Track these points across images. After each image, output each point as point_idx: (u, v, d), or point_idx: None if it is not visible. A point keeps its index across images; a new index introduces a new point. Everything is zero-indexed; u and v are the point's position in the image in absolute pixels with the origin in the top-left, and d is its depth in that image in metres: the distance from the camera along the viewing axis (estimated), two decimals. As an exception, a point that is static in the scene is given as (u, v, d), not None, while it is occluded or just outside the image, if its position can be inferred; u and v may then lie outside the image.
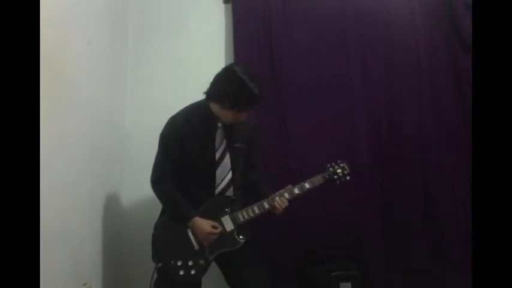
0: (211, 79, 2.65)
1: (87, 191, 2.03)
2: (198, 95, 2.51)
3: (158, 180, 1.94)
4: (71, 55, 1.84)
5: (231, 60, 2.66)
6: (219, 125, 1.94)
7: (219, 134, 1.94)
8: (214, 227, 1.88)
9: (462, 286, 2.29)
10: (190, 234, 1.89)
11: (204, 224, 1.87)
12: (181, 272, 1.86)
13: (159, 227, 1.95)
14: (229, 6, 2.71)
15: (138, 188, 2.57)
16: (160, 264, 1.90)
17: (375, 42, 2.68)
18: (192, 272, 1.87)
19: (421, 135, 2.62)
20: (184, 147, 1.90)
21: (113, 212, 2.43)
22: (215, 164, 1.93)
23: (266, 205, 1.92)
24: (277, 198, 1.93)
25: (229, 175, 1.96)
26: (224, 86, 1.87)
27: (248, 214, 1.91)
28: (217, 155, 1.94)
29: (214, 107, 1.90)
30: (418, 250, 2.53)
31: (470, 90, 2.54)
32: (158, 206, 2.56)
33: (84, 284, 1.92)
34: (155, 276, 1.93)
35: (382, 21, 2.69)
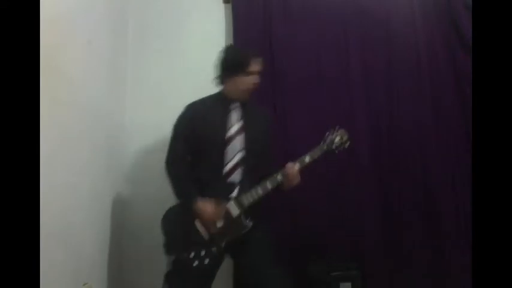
0: (211, 79, 2.68)
1: (87, 191, 2.03)
2: (198, 95, 2.51)
3: (168, 162, 2.00)
4: (71, 55, 1.84)
5: (231, 60, 2.66)
6: (235, 105, 2.01)
7: (234, 114, 2.00)
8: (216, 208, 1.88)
9: (462, 286, 2.29)
10: (198, 225, 1.89)
11: (205, 204, 1.88)
12: (195, 263, 1.85)
13: (166, 220, 1.95)
14: (229, 6, 2.72)
15: (138, 188, 2.58)
16: (173, 258, 1.91)
17: (375, 42, 2.68)
18: (206, 261, 1.86)
19: (421, 135, 2.62)
20: (196, 127, 1.96)
21: (113, 212, 2.43)
22: (225, 142, 1.95)
23: (269, 185, 1.91)
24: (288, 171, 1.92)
25: (239, 155, 1.96)
26: (221, 60, 2.03)
27: (252, 196, 1.90)
28: (229, 134, 1.96)
29: (226, 86, 2.02)
30: (418, 250, 2.52)
31: (470, 91, 2.54)
32: (158, 206, 2.57)
33: (84, 284, 1.92)
34: (169, 268, 1.94)
35: (382, 21, 2.69)
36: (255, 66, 1.99)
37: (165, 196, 2.54)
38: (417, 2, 2.71)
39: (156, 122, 2.62)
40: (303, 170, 1.94)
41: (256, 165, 2.00)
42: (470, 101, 2.30)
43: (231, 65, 1.99)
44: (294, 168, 1.91)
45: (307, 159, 1.95)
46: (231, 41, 2.67)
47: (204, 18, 2.77)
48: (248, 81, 1.98)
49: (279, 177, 1.91)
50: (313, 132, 2.57)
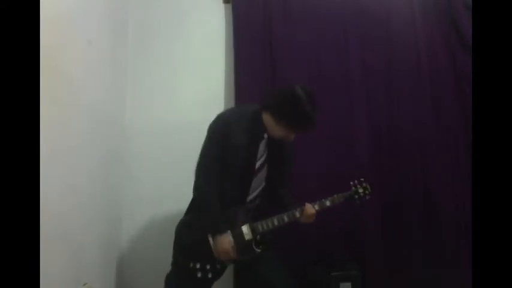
0: (211, 78, 2.69)
1: (87, 192, 2.03)
2: (198, 95, 2.52)
3: (206, 178, 1.89)
4: (71, 55, 1.84)
5: (231, 60, 2.66)
6: (265, 136, 1.95)
7: (263, 144, 1.95)
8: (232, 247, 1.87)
9: (462, 286, 2.29)
10: (210, 239, 1.89)
11: (226, 240, 1.85)
12: (199, 275, 1.87)
13: (182, 227, 1.96)
14: (229, 6, 2.72)
15: (138, 188, 2.58)
16: (172, 260, 1.93)
17: (375, 42, 2.68)
18: (209, 275, 1.89)
19: (421, 135, 2.62)
20: (228, 146, 1.90)
21: (112, 213, 2.43)
22: (253, 173, 1.95)
23: (286, 218, 1.93)
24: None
25: (262, 186, 1.99)
26: (283, 102, 1.88)
27: (267, 225, 1.92)
28: (257, 164, 1.95)
29: (267, 118, 1.91)
30: (418, 250, 2.52)
31: (470, 91, 2.54)
32: (158, 206, 2.57)
33: (84, 284, 1.92)
34: (169, 270, 1.95)
35: (382, 21, 2.69)
36: (305, 131, 1.95)
37: (165, 196, 2.55)
38: (417, 2, 2.72)
39: (156, 122, 2.63)
40: (321, 211, 1.98)
41: (272, 193, 2.03)
42: (470, 101, 2.30)
43: (291, 119, 1.86)
44: (312, 209, 1.95)
45: (328, 203, 1.98)
46: (231, 41, 2.67)
47: (204, 18, 2.77)
48: (288, 136, 1.92)
49: (297, 214, 1.95)
50: (313, 132, 2.58)
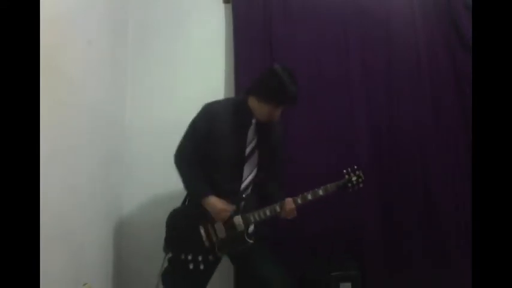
0: (211, 78, 2.69)
1: (87, 191, 2.04)
2: (198, 95, 2.50)
3: (181, 152, 1.97)
4: (71, 55, 1.84)
5: (231, 60, 2.66)
6: (253, 121, 1.97)
7: (251, 131, 1.98)
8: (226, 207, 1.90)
9: (462, 286, 2.29)
10: (201, 230, 1.91)
11: (217, 201, 1.89)
12: (191, 266, 1.88)
13: (172, 218, 1.97)
14: (229, 6, 2.72)
15: (138, 188, 2.58)
16: (170, 255, 1.93)
17: (375, 42, 2.68)
18: (201, 267, 1.89)
19: (421, 135, 2.62)
20: (215, 137, 1.93)
21: (112, 212, 2.43)
22: (244, 159, 1.97)
23: (278, 208, 1.93)
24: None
25: (254, 172, 2.00)
26: (263, 79, 1.94)
27: (259, 216, 1.92)
28: (247, 150, 1.97)
29: (252, 101, 1.95)
30: (418, 250, 2.52)
31: (470, 91, 2.54)
32: (158, 206, 2.57)
33: (84, 284, 1.92)
34: (165, 265, 1.96)
35: (382, 21, 2.69)
36: (290, 105, 1.98)
37: (164, 196, 2.55)
38: (417, 2, 2.71)
39: (156, 122, 2.63)
40: (316, 201, 1.96)
41: (264, 181, 2.04)
42: (470, 101, 2.30)
43: (271, 93, 1.89)
44: (291, 205, 1.93)
45: (320, 192, 1.95)
46: (231, 41, 2.67)
47: (204, 18, 2.77)
48: (274, 113, 1.95)
49: (277, 208, 1.93)
50: (313, 132, 2.59)
